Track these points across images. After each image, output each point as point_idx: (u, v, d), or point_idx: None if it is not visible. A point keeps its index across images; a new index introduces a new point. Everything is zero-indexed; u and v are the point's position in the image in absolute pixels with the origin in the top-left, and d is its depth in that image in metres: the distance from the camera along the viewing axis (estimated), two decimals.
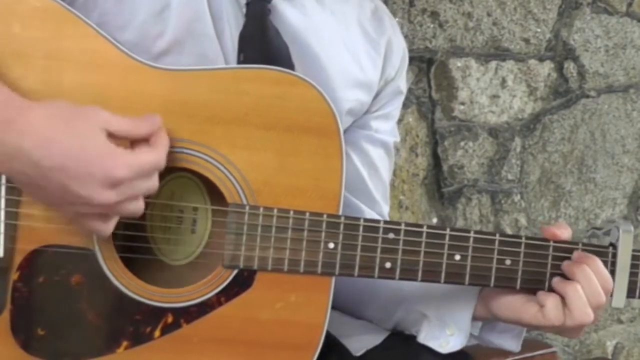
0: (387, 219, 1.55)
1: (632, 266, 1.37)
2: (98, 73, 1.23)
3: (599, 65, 2.80)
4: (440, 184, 2.60)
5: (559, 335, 1.40)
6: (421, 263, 1.30)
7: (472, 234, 1.31)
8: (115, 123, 1.15)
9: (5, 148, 1.10)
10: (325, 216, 1.27)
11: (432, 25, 2.49)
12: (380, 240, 1.28)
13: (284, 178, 1.27)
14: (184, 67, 1.27)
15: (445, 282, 1.32)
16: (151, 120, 1.19)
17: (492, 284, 1.33)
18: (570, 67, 2.75)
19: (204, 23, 1.34)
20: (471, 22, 2.55)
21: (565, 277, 1.34)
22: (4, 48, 1.20)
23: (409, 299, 1.46)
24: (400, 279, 1.30)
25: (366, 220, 1.28)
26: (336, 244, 1.27)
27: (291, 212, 1.26)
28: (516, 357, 1.63)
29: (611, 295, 1.37)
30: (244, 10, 1.36)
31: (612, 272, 1.36)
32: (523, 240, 1.33)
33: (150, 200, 1.27)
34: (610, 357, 3.05)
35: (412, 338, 1.45)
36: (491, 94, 2.62)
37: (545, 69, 2.71)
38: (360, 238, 1.28)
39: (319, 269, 1.27)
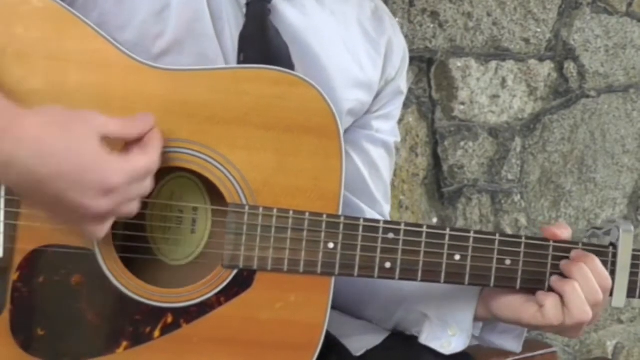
0: (388, 218, 1.55)
1: (633, 266, 1.37)
2: (98, 73, 1.23)
3: (599, 65, 2.80)
4: (440, 184, 2.60)
5: (559, 335, 1.40)
6: (421, 263, 1.30)
7: (472, 234, 1.31)
8: (112, 127, 1.15)
9: (0, 157, 1.10)
10: (325, 216, 1.27)
11: (432, 25, 2.49)
12: (380, 240, 1.28)
13: (284, 178, 1.27)
14: (183, 67, 1.27)
15: (445, 282, 1.31)
16: (144, 119, 1.19)
17: (492, 284, 1.33)
18: (570, 67, 2.75)
19: (204, 23, 1.34)
20: (471, 22, 2.55)
21: (564, 276, 1.34)
22: (6, 48, 1.20)
23: (410, 299, 1.46)
24: (400, 279, 1.30)
25: (366, 220, 1.28)
26: (336, 244, 1.27)
27: (291, 212, 1.26)
28: (516, 358, 1.62)
29: (611, 295, 1.37)
30: (244, 10, 1.36)
31: (613, 272, 1.36)
32: (523, 240, 1.33)
33: (150, 200, 1.27)
34: (610, 357, 3.05)
35: (413, 338, 1.45)
36: (491, 94, 2.62)
37: (545, 69, 2.71)
38: (360, 238, 1.28)
39: (319, 269, 1.27)
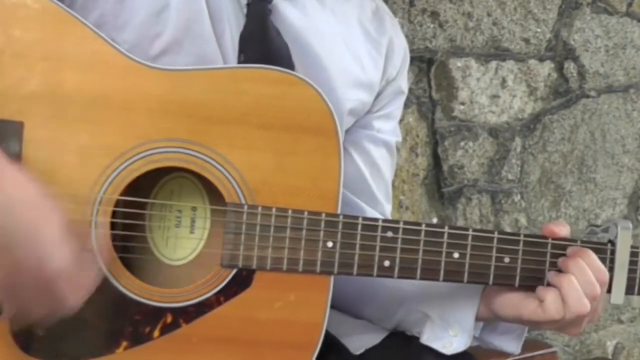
0: (390, 218, 1.55)
1: (631, 263, 1.37)
2: (97, 74, 1.23)
3: (599, 65, 2.80)
4: (440, 184, 2.60)
5: (559, 332, 1.40)
6: (420, 261, 1.30)
7: (470, 232, 1.31)
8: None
9: None
10: (323, 215, 1.27)
11: (432, 25, 2.49)
12: (378, 238, 1.28)
13: (283, 177, 1.27)
14: (182, 67, 1.27)
15: (444, 280, 1.31)
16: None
17: (490, 282, 1.33)
18: (570, 67, 2.75)
19: (203, 24, 1.34)
20: (471, 22, 2.55)
21: (562, 272, 1.34)
22: (4, 50, 1.20)
23: (410, 298, 1.46)
24: (399, 277, 1.30)
25: (364, 219, 1.28)
26: (335, 242, 1.27)
27: (289, 212, 1.26)
28: (516, 357, 1.62)
29: (609, 292, 1.37)
30: (245, 10, 1.36)
31: (611, 269, 1.36)
32: (521, 237, 1.33)
33: (149, 200, 1.27)
34: (610, 357, 3.05)
35: (412, 337, 1.45)
36: (491, 94, 2.62)
37: (545, 69, 2.71)
38: (358, 237, 1.28)
39: (318, 268, 1.27)
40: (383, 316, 1.50)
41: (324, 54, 1.43)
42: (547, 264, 1.34)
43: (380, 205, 1.56)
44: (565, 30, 2.72)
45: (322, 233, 1.27)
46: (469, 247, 1.31)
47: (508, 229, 2.70)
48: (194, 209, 1.31)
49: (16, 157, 1.19)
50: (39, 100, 1.20)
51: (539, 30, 2.67)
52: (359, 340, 1.45)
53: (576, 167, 2.82)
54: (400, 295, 1.46)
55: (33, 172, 1.18)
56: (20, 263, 1.07)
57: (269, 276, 1.26)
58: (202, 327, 1.26)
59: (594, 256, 1.34)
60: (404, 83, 1.59)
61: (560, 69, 2.74)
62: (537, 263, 1.34)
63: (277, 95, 1.27)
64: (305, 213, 1.26)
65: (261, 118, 1.26)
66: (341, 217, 1.27)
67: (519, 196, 2.73)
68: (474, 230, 1.32)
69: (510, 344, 1.47)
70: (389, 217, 1.57)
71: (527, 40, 2.65)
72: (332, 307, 1.30)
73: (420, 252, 1.30)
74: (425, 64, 2.52)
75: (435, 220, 2.58)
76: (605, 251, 1.37)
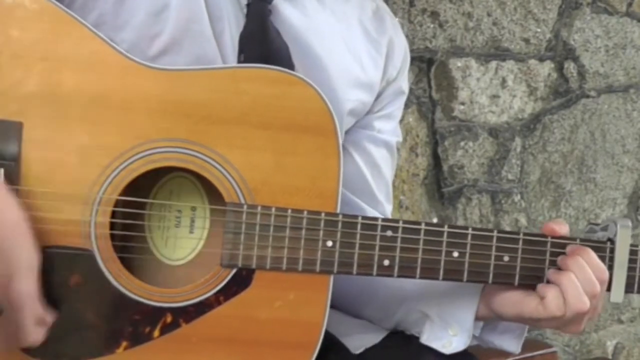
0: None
1: (630, 261, 1.37)
2: (96, 74, 1.23)
3: (599, 65, 2.80)
4: (440, 184, 2.60)
5: (559, 331, 1.40)
6: (419, 260, 1.30)
7: (470, 231, 1.31)
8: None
9: None
10: (323, 214, 1.27)
11: (432, 25, 2.49)
12: (378, 238, 1.28)
13: (282, 177, 1.27)
14: (182, 67, 1.27)
15: (443, 279, 1.31)
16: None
17: (490, 281, 1.33)
18: (570, 67, 2.76)
19: (202, 24, 1.34)
20: (471, 22, 2.55)
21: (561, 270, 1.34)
22: (2, 50, 1.20)
23: (410, 298, 1.46)
24: (399, 276, 1.29)
25: (364, 218, 1.28)
26: (334, 242, 1.27)
27: (289, 211, 1.26)
28: (516, 357, 1.62)
29: (609, 291, 1.37)
30: (245, 11, 1.36)
31: (610, 267, 1.36)
32: (521, 236, 1.33)
33: (148, 200, 1.27)
34: (610, 357, 3.05)
35: (412, 336, 1.45)
36: (491, 94, 2.62)
37: (545, 69, 2.71)
38: (358, 236, 1.28)
39: (318, 267, 1.27)
40: (383, 316, 1.50)
41: (324, 54, 1.42)
42: (547, 262, 1.34)
43: (380, 205, 1.56)
44: (565, 30, 2.72)
45: (321, 232, 1.27)
46: (468, 246, 1.31)
47: (508, 229, 2.70)
48: (193, 208, 1.31)
49: (15, 157, 1.19)
50: (38, 100, 1.20)
51: (539, 30, 2.67)
52: (359, 340, 1.45)
53: (576, 167, 2.82)
54: (400, 295, 1.46)
55: (32, 173, 1.18)
56: None
57: (269, 276, 1.26)
58: (201, 326, 1.26)
59: (593, 254, 1.34)
60: (404, 83, 1.59)
61: (560, 69, 2.74)
62: (536, 262, 1.34)
63: (276, 95, 1.27)
64: (305, 212, 1.26)
65: (260, 118, 1.26)
66: (340, 216, 1.27)
67: (519, 196, 2.73)
68: (474, 229, 1.31)
69: (511, 344, 1.46)
70: (390, 217, 1.57)
71: (527, 40, 2.65)
72: (331, 306, 1.30)
73: (420, 251, 1.30)
74: (425, 64, 2.52)
75: (435, 220, 2.58)
76: (605, 249, 1.37)
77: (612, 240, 1.38)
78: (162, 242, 1.31)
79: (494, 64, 2.62)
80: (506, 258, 1.33)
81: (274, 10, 1.37)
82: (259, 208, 1.25)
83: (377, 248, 1.28)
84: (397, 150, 1.61)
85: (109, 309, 1.24)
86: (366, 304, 1.52)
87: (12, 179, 1.18)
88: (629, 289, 1.38)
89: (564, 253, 1.35)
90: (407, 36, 2.31)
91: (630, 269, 1.37)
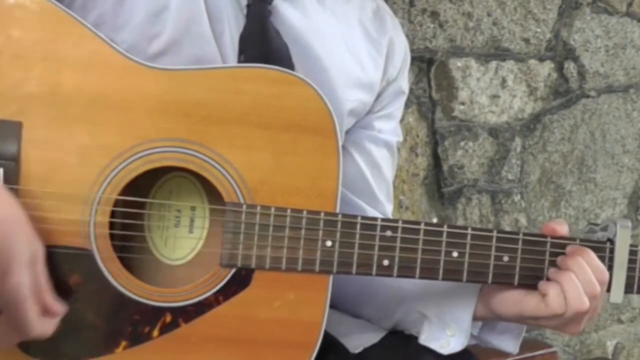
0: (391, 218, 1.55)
1: (630, 261, 1.37)
2: (95, 74, 1.23)
3: (599, 65, 2.80)
4: (440, 184, 2.60)
5: (558, 331, 1.40)
6: (419, 260, 1.30)
7: (469, 231, 1.31)
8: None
9: None
10: (322, 214, 1.27)
11: (432, 25, 2.49)
12: (377, 237, 1.28)
13: (281, 177, 1.27)
14: (181, 67, 1.27)
15: (443, 279, 1.31)
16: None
17: (489, 281, 1.33)
18: (570, 67, 2.75)
19: (201, 24, 1.34)
20: (471, 22, 2.55)
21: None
22: (2, 51, 1.20)
23: (409, 298, 1.46)
24: (398, 276, 1.29)
25: (363, 218, 1.28)
26: (334, 242, 1.27)
27: (288, 211, 1.26)
28: (516, 357, 1.62)
29: (608, 291, 1.37)
30: (245, 11, 1.36)
31: (610, 268, 1.36)
32: (520, 236, 1.33)
33: (148, 200, 1.27)
34: (610, 357, 3.05)
35: (411, 336, 1.45)
36: (491, 94, 2.62)
37: (545, 69, 2.71)
38: (357, 236, 1.28)
39: (317, 267, 1.27)
40: (382, 316, 1.50)
41: (324, 54, 1.42)
42: (547, 262, 1.34)
43: (381, 205, 1.56)
44: (565, 30, 2.72)
45: (321, 232, 1.27)
46: (468, 246, 1.31)
47: (508, 229, 2.69)
48: (192, 208, 1.31)
49: (15, 157, 1.19)
50: (38, 100, 1.20)
51: (539, 30, 2.67)
52: (358, 340, 1.45)
53: (576, 167, 2.82)
54: (400, 295, 1.46)
55: (32, 172, 1.18)
56: None
57: (268, 275, 1.26)
58: (201, 326, 1.26)
59: (593, 255, 1.34)
60: (404, 83, 1.59)
61: (560, 69, 2.74)
62: (536, 262, 1.34)
63: (276, 94, 1.27)
64: (304, 212, 1.26)
65: (260, 118, 1.26)
66: (340, 216, 1.27)
67: (519, 196, 2.73)
68: (473, 229, 1.31)
69: (509, 344, 1.46)
70: (390, 217, 1.57)
71: (527, 40, 2.65)
72: (331, 306, 1.30)
73: (419, 251, 1.30)
74: (425, 64, 2.52)
75: (435, 220, 2.58)
76: (605, 250, 1.37)
77: (611, 241, 1.38)
78: (161, 241, 1.31)
79: (494, 64, 2.62)
80: (506, 258, 1.33)
81: (274, 11, 1.37)
82: (259, 208, 1.25)
83: (376, 248, 1.28)
84: (397, 150, 1.61)
85: (109, 308, 1.24)
86: (365, 303, 1.52)
87: (12, 179, 1.18)
88: (628, 289, 1.38)
89: (563, 253, 1.34)
90: (407, 36, 2.30)
91: (630, 270, 1.37)
